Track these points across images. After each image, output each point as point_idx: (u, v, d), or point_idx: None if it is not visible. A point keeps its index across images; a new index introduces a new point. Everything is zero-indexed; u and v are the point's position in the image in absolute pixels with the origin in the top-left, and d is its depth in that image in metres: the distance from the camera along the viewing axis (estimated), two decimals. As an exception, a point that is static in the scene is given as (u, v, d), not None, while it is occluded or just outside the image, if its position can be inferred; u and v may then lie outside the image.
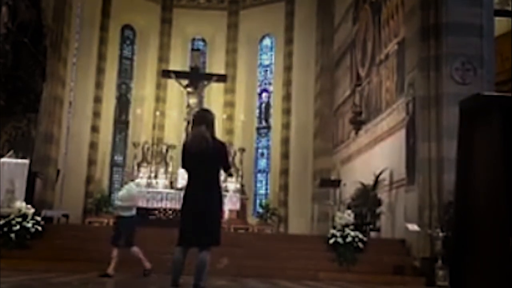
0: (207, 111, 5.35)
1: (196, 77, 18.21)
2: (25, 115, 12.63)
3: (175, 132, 19.75)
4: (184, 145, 5.19)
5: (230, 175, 5.60)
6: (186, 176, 5.20)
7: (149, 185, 16.53)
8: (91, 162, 18.92)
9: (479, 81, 9.73)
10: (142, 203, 15.04)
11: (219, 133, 19.61)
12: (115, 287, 6.82)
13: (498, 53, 10.53)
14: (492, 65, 10.05)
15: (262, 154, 21.00)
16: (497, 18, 10.65)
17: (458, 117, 3.17)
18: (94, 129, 19.13)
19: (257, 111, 21.27)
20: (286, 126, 19.82)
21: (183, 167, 5.18)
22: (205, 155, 4.92)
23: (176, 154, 15.73)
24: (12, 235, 9.48)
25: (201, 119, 5.08)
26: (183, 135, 17.67)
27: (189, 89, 18.00)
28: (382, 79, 13.10)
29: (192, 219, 4.90)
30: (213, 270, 8.53)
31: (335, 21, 17.69)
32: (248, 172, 19.38)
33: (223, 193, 16.76)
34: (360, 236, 10.01)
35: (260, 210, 18.88)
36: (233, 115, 20.42)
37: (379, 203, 11.89)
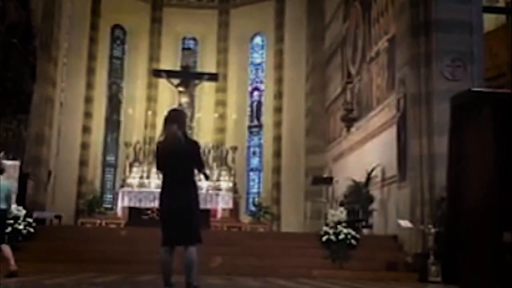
0: (178, 111, 5.37)
1: (187, 76, 18.20)
2: (15, 116, 12.55)
3: (167, 131, 19.70)
4: (158, 146, 5.21)
5: (206, 176, 5.48)
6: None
7: (141, 185, 16.49)
8: (83, 163, 18.83)
9: (469, 77, 9.79)
10: (134, 203, 15.08)
11: (211, 132, 19.76)
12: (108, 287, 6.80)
13: (488, 49, 10.60)
14: (481, 61, 10.12)
15: (254, 153, 21.01)
16: (486, 15, 10.71)
17: (448, 113, 3.19)
18: (86, 129, 19.04)
19: (249, 109, 21.27)
20: (278, 124, 19.84)
21: (158, 168, 5.19)
22: (178, 154, 4.92)
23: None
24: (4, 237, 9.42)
25: (173, 118, 5.07)
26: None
27: (180, 88, 17.97)
28: (373, 76, 13.14)
29: (172, 219, 4.93)
30: (206, 269, 8.54)
31: (325, 19, 17.73)
32: (241, 170, 19.38)
33: (216, 191, 16.83)
34: (353, 233, 10.05)
35: (253, 209, 18.90)
36: (225, 113, 20.42)
37: (371, 200, 11.94)
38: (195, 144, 5.14)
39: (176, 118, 5.08)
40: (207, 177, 5.58)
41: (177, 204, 4.90)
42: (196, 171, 5.19)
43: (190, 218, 4.91)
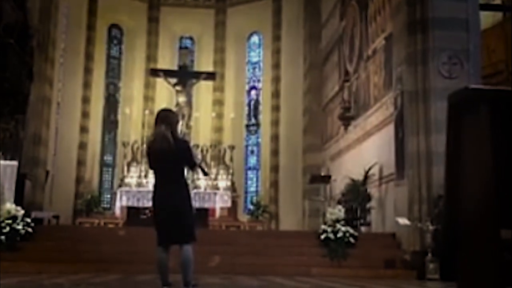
0: (167, 111, 5.44)
1: (184, 76, 18.21)
2: (13, 117, 12.54)
3: (164, 131, 19.67)
4: (148, 146, 5.26)
5: (204, 172, 5.56)
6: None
7: (139, 184, 16.49)
8: (81, 163, 18.82)
9: (465, 75, 9.80)
10: (132, 203, 15.08)
11: (209, 131, 19.76)
12: (106, 287, 6.81)
13: (484, 46, 10.61)
14: (478, 59, 10.12)
15: (252, 151, 21.02)
16: (482, 12, 10.73)
17: (446, 111, 3.20)
18: (83, 129, 19.03)
19: (246, 108, 21.28)
20: (275, 123, 19.85)
21: (150, 167, 5.26)
22: (167, 153, 4.97)
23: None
24: (2, 237, 9.42)
25: (162, 119, 5.15)
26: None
27: (177, 88, 17.98)
28: (370, 74, 13.15)
29: (165, 218, 4.98)
30: (205, 268, 8.55)
31: (322, 18, 17.73)
32: (239, 169, 19.40)
33: (214, 190, 16.84)
34: (351, 231, 10.05)
35: (251, 207, 18.91)
36: (222, 113, 20.43)
37: (369, 198, 11.95)
38: (184, 142, 5.24)
39: (164, 118, 5.15)
40: (205, 173, 5.62)
41: (169, 203, 4.95)
42: (190, 170, 5.24)
43: (183, 217, 4.95)
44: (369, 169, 12.05)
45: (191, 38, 21.68)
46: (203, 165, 5.74)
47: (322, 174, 15.16)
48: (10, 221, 9.55)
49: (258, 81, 21.34)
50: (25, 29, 12.23)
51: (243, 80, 21.39)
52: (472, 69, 9.92)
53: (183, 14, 21.09)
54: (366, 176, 12.08)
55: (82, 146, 18.92)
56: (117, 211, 15.90)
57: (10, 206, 9.76)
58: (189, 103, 18.12)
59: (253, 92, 21.40)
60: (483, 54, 10.50)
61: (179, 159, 5.02)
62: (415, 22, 10.20)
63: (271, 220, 18.56)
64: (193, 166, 5.17)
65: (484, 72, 10.39)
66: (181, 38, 21.57)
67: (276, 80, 20.06)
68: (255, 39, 21.67)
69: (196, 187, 15.69)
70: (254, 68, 21.58)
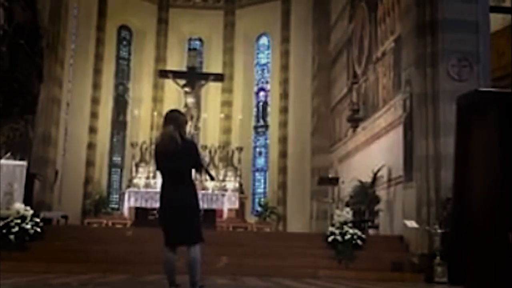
0: (176, 112, 5.41)
1: (193, 77, 18.26)
2: (22, 117, 12.62)
3: (172, 132, 19.70)
4: (156, 146, 5.28)
5: (211, 176, 5.52)
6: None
7: (147, 185, 16.55)
8: (89, 163, 18.91)
9: (475, 77, 9.76)
10: (140, 204, 15.12)
11: (217, 133, 19.77)
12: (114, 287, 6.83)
13: (494, 49, 10.56)
14: (488, 62, 10.07)
15: (260, 153, 21.02)
16: (492, 14, 10.68)
17: (455, 113, 3.19)
18: (92, 130, 19.12)
19: (255, 110, 21.29)
20: (283, 124, 19.84)
21: (157, 168, 5.25)
22: (174, 154, 4.96)
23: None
24: (11, 236, 9.47)
25: (169, 119, 5.12)
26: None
27: (186, 89, 18.03)
28: (379, 76, 13.13)
29: (171, 218, 4.97)
30: (212, 269, 8.56)
31: (331, 19, 17.73)
32: (246, 171, 19.42)
33: (222, 192, 16.85)
34: (359, 233, 10.03)
35: (259, 209, 18.91)
36: (230, 114, 20.44)
37: (377, 200, 11.92)
38: (192, 144, 5.20)
39: (172, 118, 5.13)
40: (212, 178, 5.58)
41: (176, 203, 4.94)
42: (197, 172, 5.22)
43: (190, 218, 4.94)
44: (378, 171, 12.02)
45: (200, 40, 21.73)
46: (209, 169, 5.73)
47: (330, 176, 15.13)
48: (19, 221, 9.60)
49: (267, 82, 21.35)
50: (35, 29, 12.30)
51: (251, 82, 21.41)
52: (482, 71, 9.87)
53: (192, 15, 21.14)
54: (374, 178, 12.05)
55: (91, 146, 19.01)
56: (125, 212, 15.94)
57: (19, 206, 9.81)
58: (197, 104, 18.16)
59: (261, 93, 21.41)
60: (493, 57, 10.44)
61: (186, 159, 5.01)
62: (424, 24, 10.16)
63: (279, 222, 18.56)
64: (199, 168, 5.17)
65: (494, 75, 10.33)
66: (190, 39, 21.63)
67: (285, 81, 20.06)
68: (263, 40, 21.69)
69: (204, 188, 15.72)
70: (262, 70, 21.60)
